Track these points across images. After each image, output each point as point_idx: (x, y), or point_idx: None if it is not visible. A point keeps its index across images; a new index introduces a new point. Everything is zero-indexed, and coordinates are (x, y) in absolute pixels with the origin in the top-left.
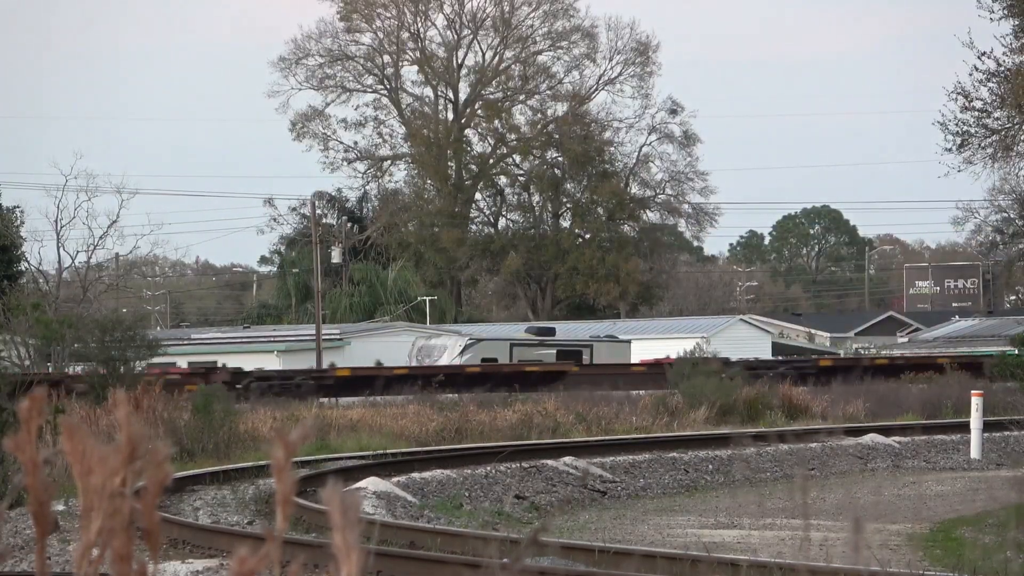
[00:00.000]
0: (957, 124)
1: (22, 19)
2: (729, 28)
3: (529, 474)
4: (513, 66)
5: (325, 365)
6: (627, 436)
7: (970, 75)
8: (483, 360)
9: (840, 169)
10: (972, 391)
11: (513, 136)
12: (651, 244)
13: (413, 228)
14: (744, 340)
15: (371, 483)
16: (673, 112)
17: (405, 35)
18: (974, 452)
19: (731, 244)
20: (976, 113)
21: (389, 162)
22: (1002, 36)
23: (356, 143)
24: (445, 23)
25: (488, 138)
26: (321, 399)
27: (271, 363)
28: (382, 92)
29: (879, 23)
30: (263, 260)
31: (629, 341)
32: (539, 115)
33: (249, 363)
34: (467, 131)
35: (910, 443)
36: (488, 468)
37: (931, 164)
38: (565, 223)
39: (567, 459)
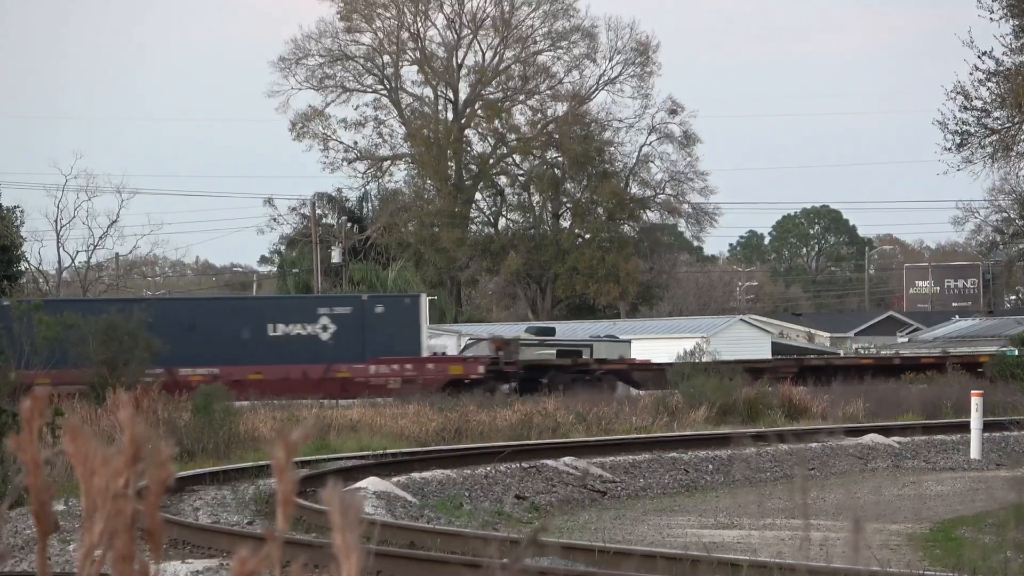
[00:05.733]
0: (957, 123)
1: (20, 20)
2: (729, 28)
3: (529, 474)
4: (513, 66)
5: None
6: (627, 436)
7: (970, 75)
8: None
9: (840, 169)
10: (972, 391)
11: (513, 136)
12: (651, 244)
13: (413, 228)
14: (744, 340)
15: (371, 483)
16: (673, 112)
17: (405, 35)
18: (974, 452)
19: (731, 244)
20: (976, 113)
21: (389, 162)
22: (1002, 36)
23: (356, 143)
24: (445, 23)
25: (488, 138)
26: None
27: None
28: (382, 92)
29: (879, 23)
30: (263, 260)
31: (629, 341)
32: (539, 115)
33: None
34: (467, 131)
35: (910, 443)
36: (488, 468)
37: (931, 164)
38: (565, 223)
39: (567, 459)
